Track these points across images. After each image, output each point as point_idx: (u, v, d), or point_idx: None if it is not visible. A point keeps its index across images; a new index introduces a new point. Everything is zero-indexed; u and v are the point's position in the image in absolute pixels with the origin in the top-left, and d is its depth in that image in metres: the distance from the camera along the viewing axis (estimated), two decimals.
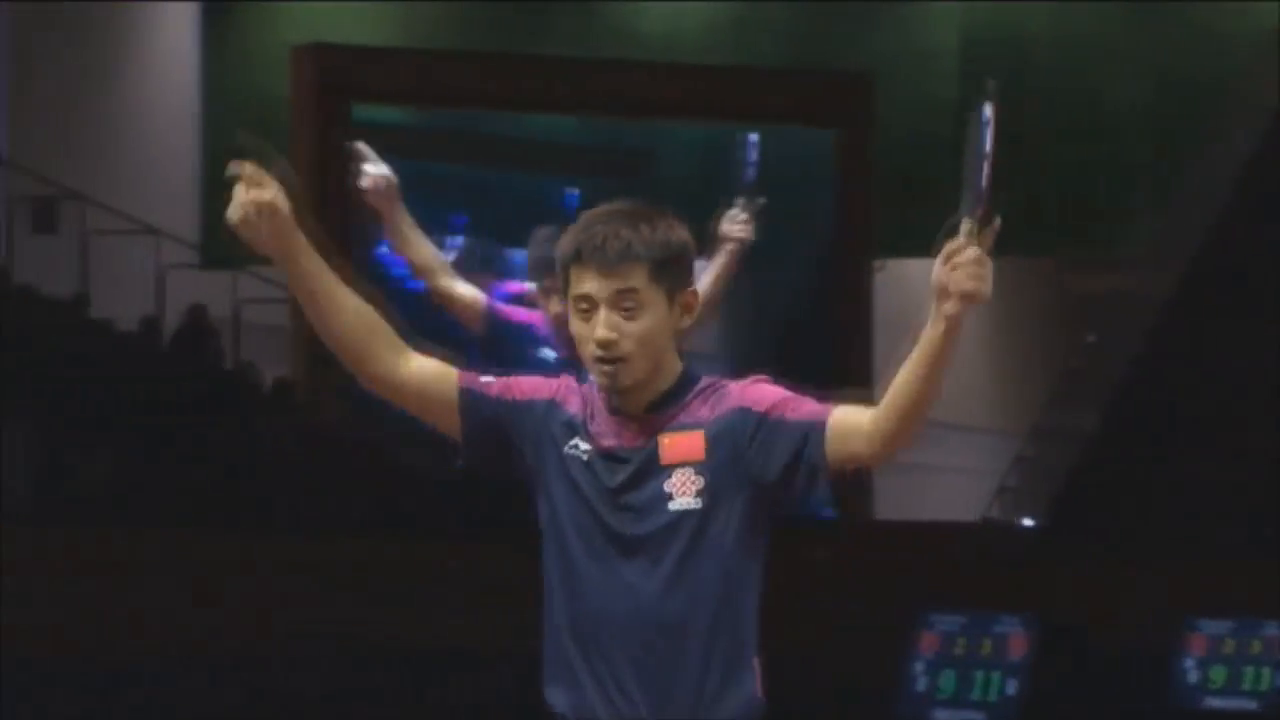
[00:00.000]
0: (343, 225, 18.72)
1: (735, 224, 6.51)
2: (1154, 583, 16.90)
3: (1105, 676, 16.75)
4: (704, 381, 3.79)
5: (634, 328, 3.72)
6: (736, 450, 3.69)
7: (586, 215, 3.86)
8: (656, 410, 3.75)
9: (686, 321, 3.80)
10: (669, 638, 3.69)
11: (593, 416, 3.77)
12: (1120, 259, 21.71)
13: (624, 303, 3.73)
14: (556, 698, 3.76)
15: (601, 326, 3.73)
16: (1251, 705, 16.59)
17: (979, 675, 16.68)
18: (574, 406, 3.78)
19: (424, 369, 3.78)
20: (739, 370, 3.95)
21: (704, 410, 3.73)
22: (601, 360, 3.72)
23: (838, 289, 19.88)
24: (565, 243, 3.82)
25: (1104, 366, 20.59)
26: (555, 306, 6.03)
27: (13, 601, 13.15)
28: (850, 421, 3.62)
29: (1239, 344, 19.24)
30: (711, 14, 22.48)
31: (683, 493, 3.67)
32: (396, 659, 15.03)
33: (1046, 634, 16.64)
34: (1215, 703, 16.71)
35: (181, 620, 14.31)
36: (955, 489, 20.70)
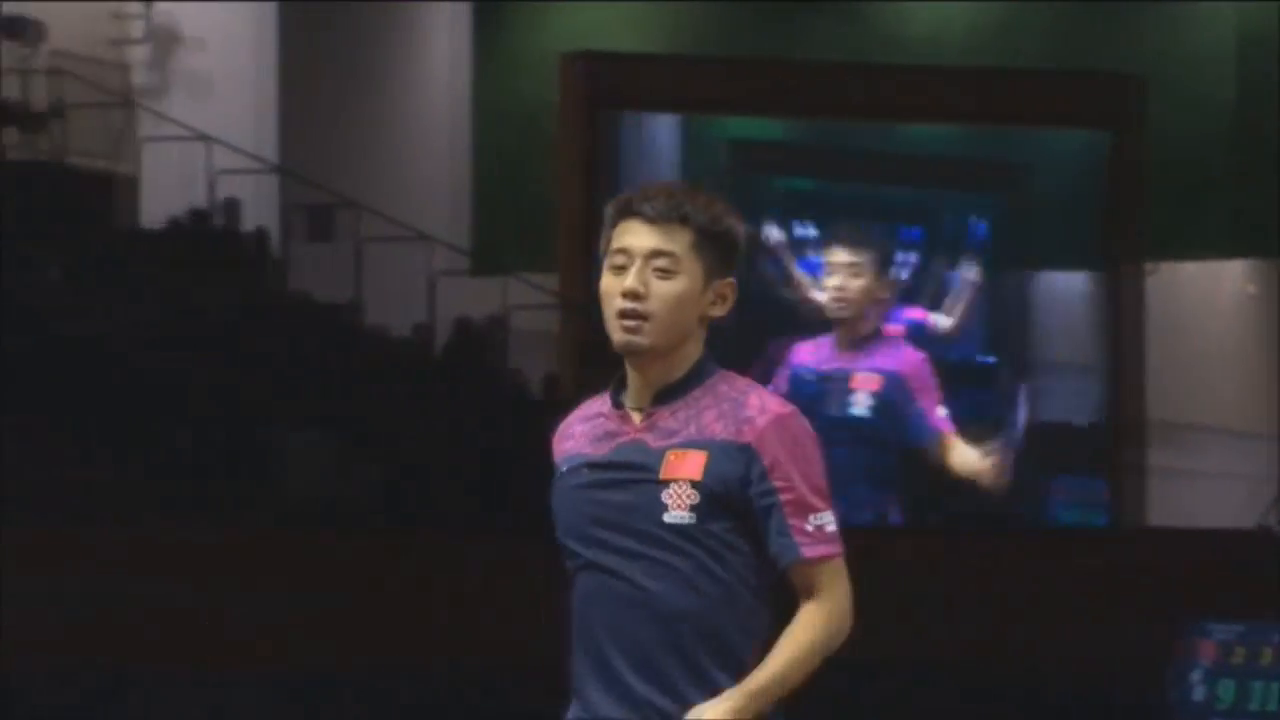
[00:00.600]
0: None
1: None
2: None
3: None
4: (717, 376, 3.71)
5: (665, 288, 3.65)
6: (729, 488, 3.63)
7: (643, 182, 3.82)
8: (663, 402, 3.69)
9: (718, 311, 3.72)
10: (666, 646, 3.65)
11: (593, 431, 3.75)
12: None
13: (661, 262, 3.66)
14: (575, 710, 3.75)
15: (633, 277, 3.65)
16: None
17: (1258, 686, 16.21)
18: (574, 436, 3.77)
19: None
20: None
21: (715, 423, 3.66)
22: (624, 314, 3.65)
23: (1111, 292, 19.72)
24: (615, 202, 3.75)
25: None
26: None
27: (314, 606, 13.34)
28: (802, 589, 3.64)
29: None
30: (976, 15, 22.38)
31: (677, 506, 3.62)
32: None
33: None
34: None
35: (504, 626, 14.39)
36: (1232, 495, 20.35)
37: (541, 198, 20.19)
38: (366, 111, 20.73)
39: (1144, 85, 19.82)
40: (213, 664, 13.27)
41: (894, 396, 11.96)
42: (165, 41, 20.20)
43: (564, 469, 3.75)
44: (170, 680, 13.34)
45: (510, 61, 22.41)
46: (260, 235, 18.63)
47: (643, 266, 3.66)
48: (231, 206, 18.71)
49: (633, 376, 3.72)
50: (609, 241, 3.72)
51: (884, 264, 11.25)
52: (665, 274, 3.66)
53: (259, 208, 19.07)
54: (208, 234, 18.26)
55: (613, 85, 19.37)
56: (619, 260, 3.68)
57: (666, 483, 3.64)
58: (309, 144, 19.95)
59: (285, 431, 14.54)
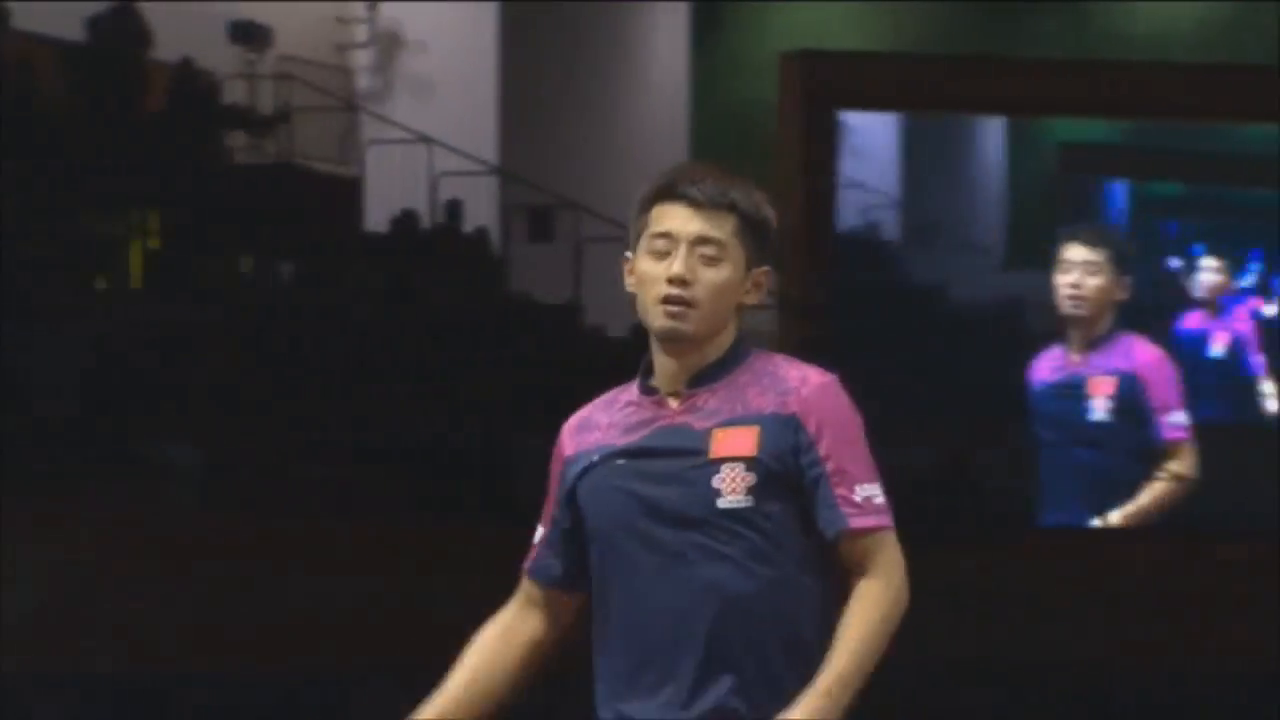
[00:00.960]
0: (824, 228, 19.00)
1: None
2: None
3: None
4: (753, 355, 3.62)
5: (711, 275, 3.56)
6: (785, 463, 3.51)
7: (677, 164, 3.74)
8: (701, 384, 3.57)
9: (753, 299, 3.62)
10: (733, 637, 3.50)
11: (624, 421, 3.60)
12: None
13: (707, 249, 3.57)
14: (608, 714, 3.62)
15: (679, 263, 3.55)
16: None
17: None
18: (599, 428, 3.62)
19: (530, 613, 3.70)
20: None
21: (759, 398, 3.55)
22: (669, 300, 3.54)
23: None
24: (653, 182, 3.65)
25: None
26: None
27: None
28: (853, 564, 3.53)
29: None
30: (1205, 13, 22.17)
31: (732, 490, 3.48)
32: None
33: None
34: None
35: None
36: None
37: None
38: (585, 112, 20.88)
39: None
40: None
41: (1131, 397, 11.78)
42: (388, 45, 20.58)
43: (593, 460, 3.57)
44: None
45: (728, 61, 22.49)
46: (481, 236, 18.85)
47: (688, 252, 3.57)
48: (453, 207, 18.89)
49: (665, 363, 3.60)
50: (645, 224, 3.62)
51: (1121, 262, 11.10)
52: (711, 261, 3.57)
53: (479, 209, 19.17)
54: (429, 235, 18.52)
55: (832, 83, 19.33)
56: (661, 245, 3.58)
57: (718, 464, 3.50)
58: (529, 145, 20.11)
59: (508, 430, 14.65)
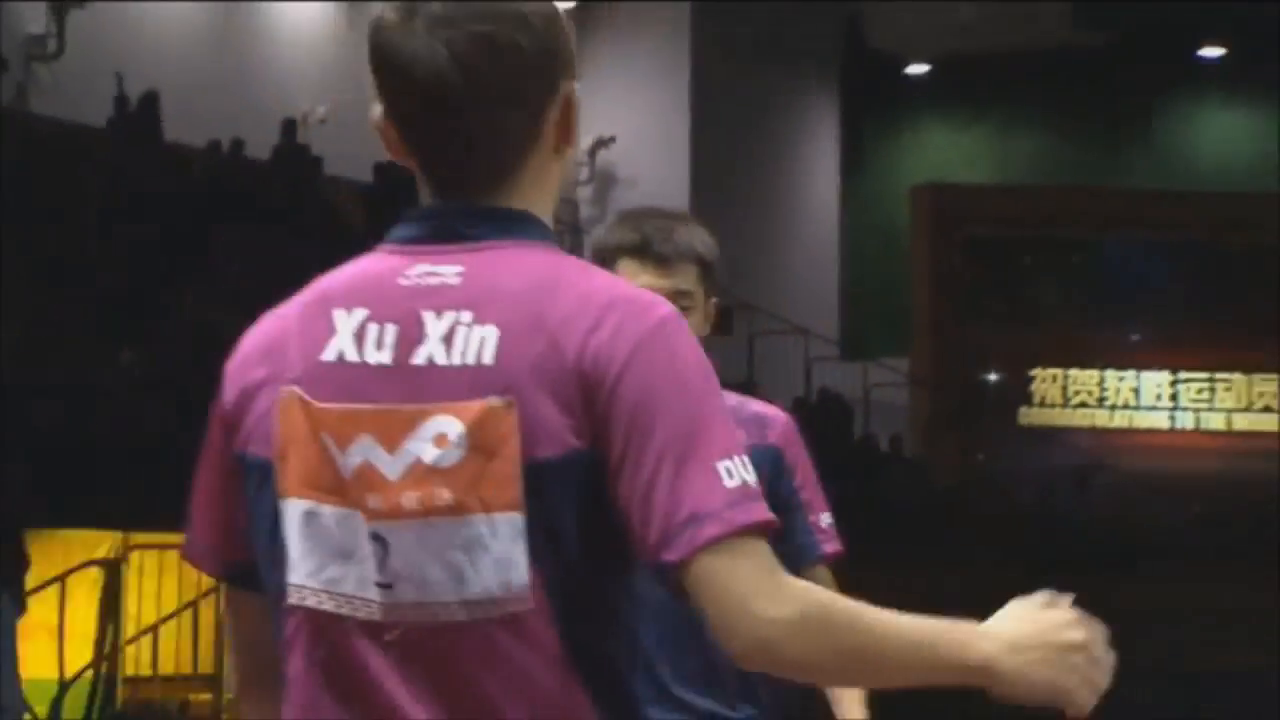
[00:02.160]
0: (954, 328, 19.35)
1: None
2: None
3: None
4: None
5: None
6: (766, 489, 2.77)
7: (630, 212, 3.35)
8: None
9: (707, 331, 3.22)
10: (711, 659, 3.18)
11: None
12: None
13: (681, 302, 3.09)
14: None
15: None
16: None
17: None
18: None
19: None
20: None
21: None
22: None
23: None
24: (620, 233, 3.23)
25: None
26: None
27: None
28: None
29: None
30: (1258, 147, 21.84)
31: None
32: None
33: None
34: None
35: None
36: None
37: (895, 298, 20.47)
38: (758, 229, 20.59)
39: None
40: None
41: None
42: (605, 182, 20.89)
43: None
44: None
45: (871, 190, 22.44)
46: None
47: None
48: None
49: None
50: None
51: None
52: (685, 313, 2.80)
53: None
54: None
55: (955, 210, 19.95)
56: None
57: None
58: (719, 255, 20.28)
59: None
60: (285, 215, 16.15)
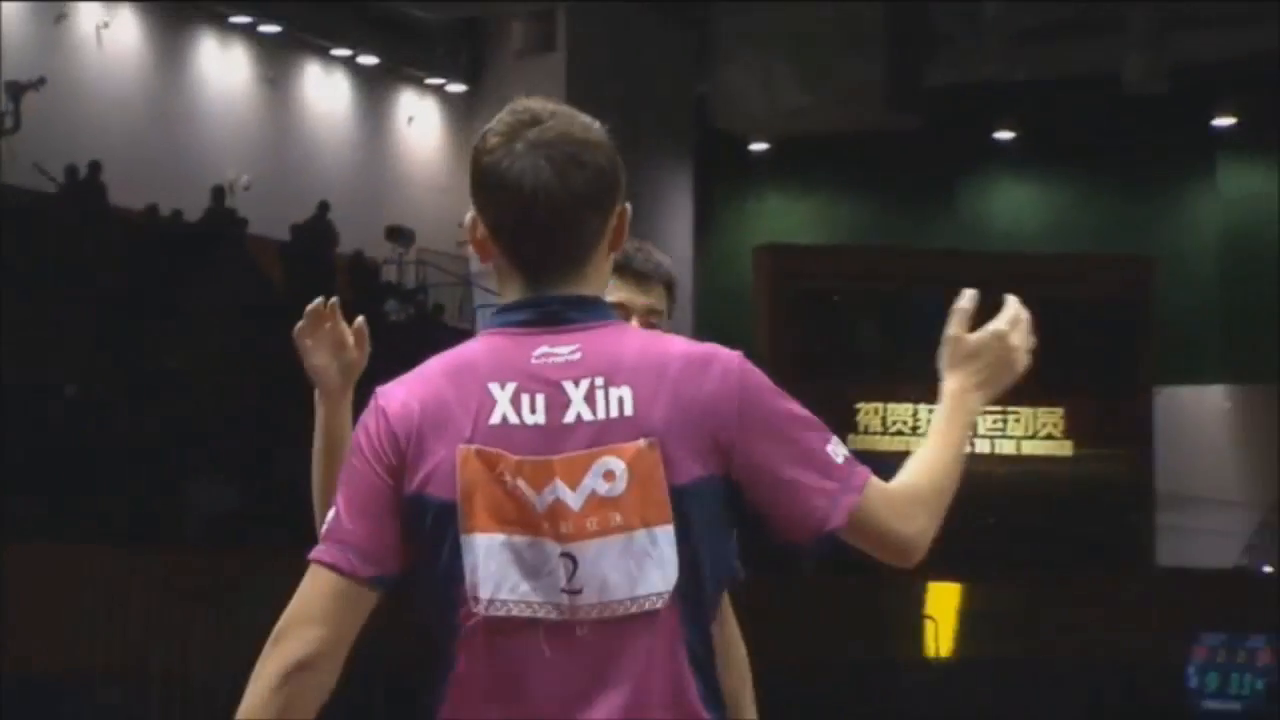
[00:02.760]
0: (791, 370, 19.68)
1: None
2: None
3: None
4: None
5: None
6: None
7: None
8: None
9: None
10: None
11: None
12: None
13: (652, 318, 2.89)
14: None
15: None
16: None
17: (1235, 677, 16.57)
18: None
19: None
20: None
21: None
22: None
23: None
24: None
25: None
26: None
27: None
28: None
29: None
30: (1044, 212, 22.17)
31: None
32: None
33: None
34: None
35: None
36: (1215, 544, 20.19)
37: (743, 345, 20.49)
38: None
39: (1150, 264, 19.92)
40: None
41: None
42: None
43: None
44: None
45: (720, 250, 22.65)
46: None
47: (641, 324, 2.82)
48: None
49: None
50: None
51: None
52: (654, 328, 2.82)
53: None
54: None
55: (791, 267, 19.32)
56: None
57: None
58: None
59: None
60: (215, 271, 16.34)
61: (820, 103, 19.08)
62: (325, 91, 20.00)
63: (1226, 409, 22.61)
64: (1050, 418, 19.24)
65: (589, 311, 2.22)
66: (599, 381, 2.17)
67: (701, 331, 22.51)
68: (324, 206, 18.33)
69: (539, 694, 2.14)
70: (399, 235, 19.45)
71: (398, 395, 2.22)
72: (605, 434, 2.17)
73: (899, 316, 19.87)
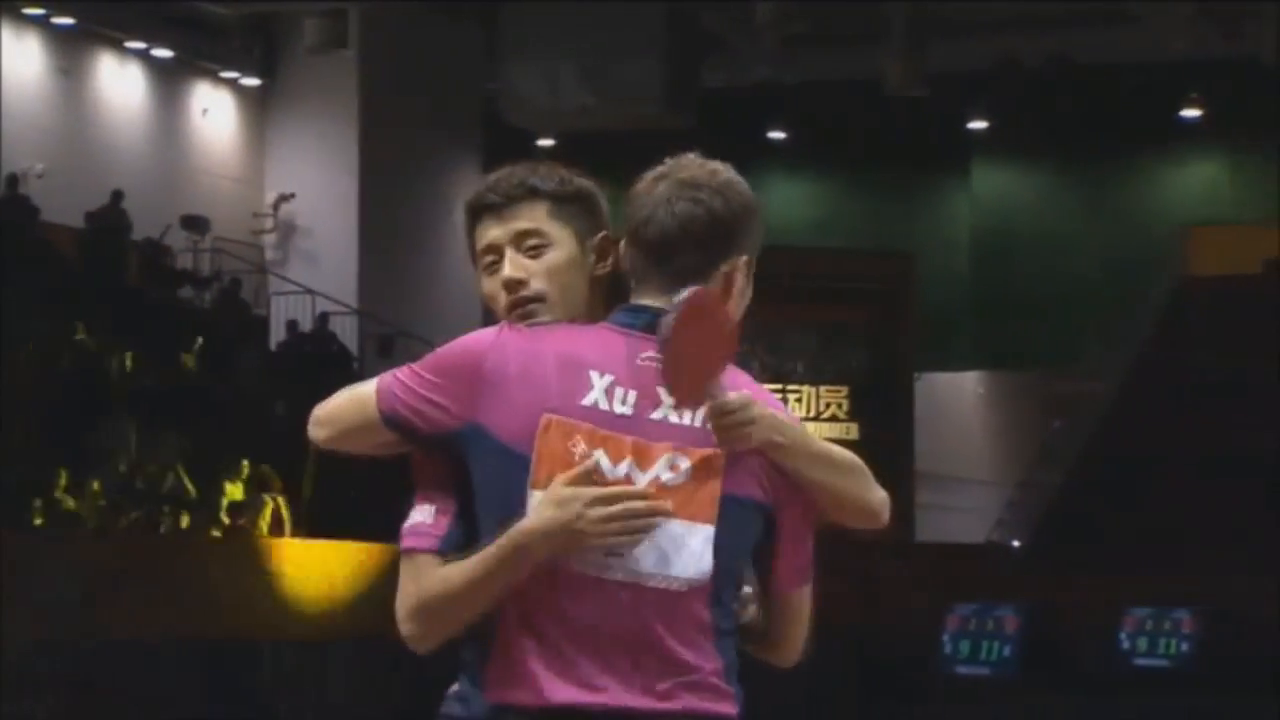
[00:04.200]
0: None
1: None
2: (1101, 584, 17.05)
3: (1071, 643, 16.85)
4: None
5: (543, 264, 2.55)
6: None
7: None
8: None
9: (603, 268, 2.59)
10: None
11: None
12: (1078, 374, 21.54)
13: (527, 242, 2.56)
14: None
15: (507, 266, 2.55)
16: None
17: (985, 644, 17.04)
18: None
19: None
20: None
21: None
22: (515, 305, 2.54)
23: None
24: (467, 207, 2.63)
25: (1067, 442, 20.56)
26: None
27: None
28: None
29: (1159, 431, 19.21)
30: (809, 208, 22.65)
31: None
32: None
33: (1031, 617, 17.00)
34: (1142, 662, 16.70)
35: None
36: (968, 521, 20.68)
37: None
38: (416, 272, 20.23)
39: (911, 259, 20.52)
40: None
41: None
42: (287, 231, 20.51)
43: None
44: None
45: None
46: (345, 354, 18.81)
47: (514, 254, 2.56)
48: (330, 336, 18.91)
49: None
50: (474, 250, 2.61)
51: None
52: (536, 251, 2.56)
53: (346, 336, 19.11)
54: (313, 355, 18.38)
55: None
56: (489, 260, 2.57)
57: None
58: (381, 292, 19.78)
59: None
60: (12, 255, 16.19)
61: (602, 101, 19.32)
62: (120, 83, 19.69)
63: (980, 395, 23.16)
64: (834, 397, 19.57)
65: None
66: None
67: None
68: (118, 195, 18.10)
69: (581, 638, 2.38)
70: (194, 224, 19.30)
71: (508, 340, 2.46)
72: (683, 437, 2.42)
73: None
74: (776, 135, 22.46)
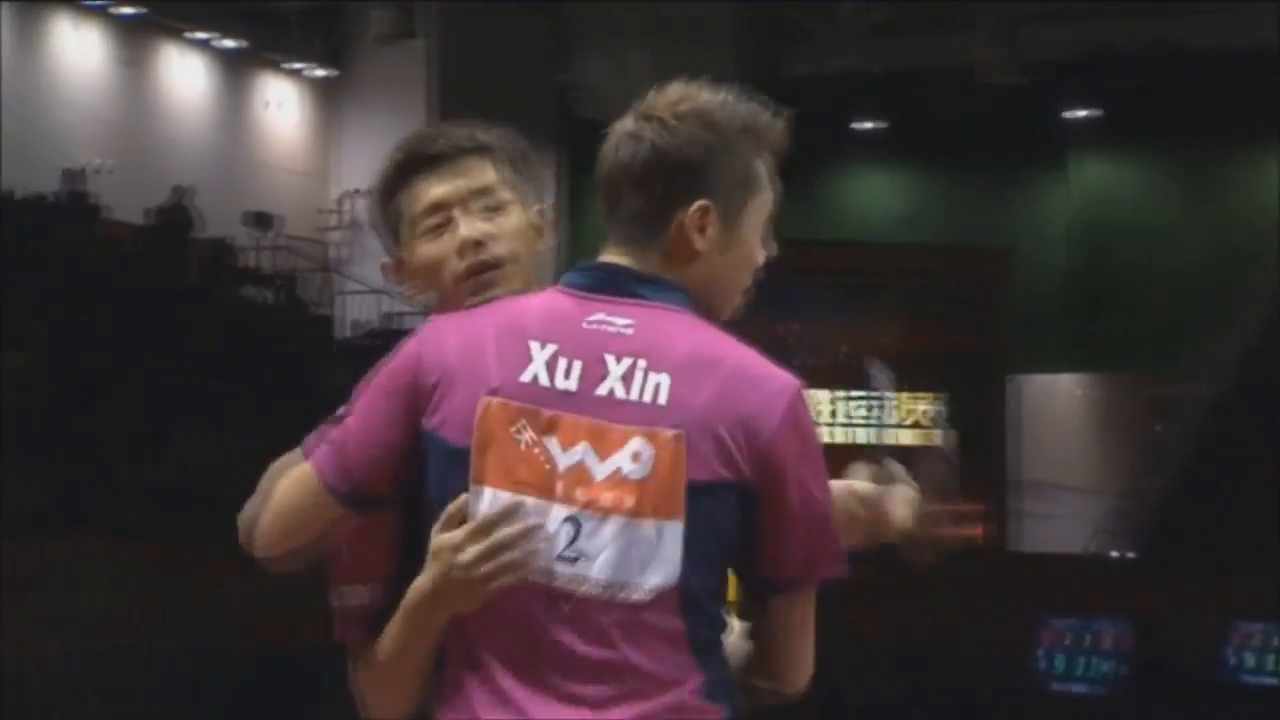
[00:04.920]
0: None
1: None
2: (1206, 596, 16.81)
3: (1174, 658, 16.61)
4: None
5: (505, 224, 2.26)
6: None
7: (399, 141, 2.35)
8: None
9: (546, 241, 2.34)
10: None
11: None
12: (1181, 375, 21.00)
13: (486, 201, 2.26)
14: None
15: (465, 225, 2.24)
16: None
17: (1083, 660, 16.74)
18: None
19: None
20: None
21: None
22: (473, 270, 2.24)
23: None
24: (387, 163, 2.31)
25: (1169, 446, 20.27)
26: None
27: None
28: None
29: (1258, 434, 18.85)
30: (897, 204, 22.33)
31: None
32: None
33: (1135, 632, 16.66)
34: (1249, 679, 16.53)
35: None
36: (1065, 529, 20.45)
37: None
38: None
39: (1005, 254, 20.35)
40: None
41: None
42: (352, 228, 20.43)
43: None
44: None
45: (590, 233, 22.02)
46: None
47: (468, 212, 2.24)
48: (395, 336, 19.01)
49: None
50: (399, 213, 2.28)
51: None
52: (495, 210, 2.26)
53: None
54: (382, 348, 18.53)
55: None
56: (433, 221, 2.25)
57: None
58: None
59: None
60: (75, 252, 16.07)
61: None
62: (183, 75, 19.54)
63: (1077, 397, 22.85)
64: (923, 401, 19.15)
65: (657, 289, 2.14)
66: (641, 364, 2.10)
67: None
68: (180, 191, 18.03)
69: (533, 652, 2.09)
70: (260, 221, 19.29)
71: (442, 329, 2.15)
72: (633, 415, 2.09)
73: (760, 305, 20.10)
74: (862, 126, 22.22)
